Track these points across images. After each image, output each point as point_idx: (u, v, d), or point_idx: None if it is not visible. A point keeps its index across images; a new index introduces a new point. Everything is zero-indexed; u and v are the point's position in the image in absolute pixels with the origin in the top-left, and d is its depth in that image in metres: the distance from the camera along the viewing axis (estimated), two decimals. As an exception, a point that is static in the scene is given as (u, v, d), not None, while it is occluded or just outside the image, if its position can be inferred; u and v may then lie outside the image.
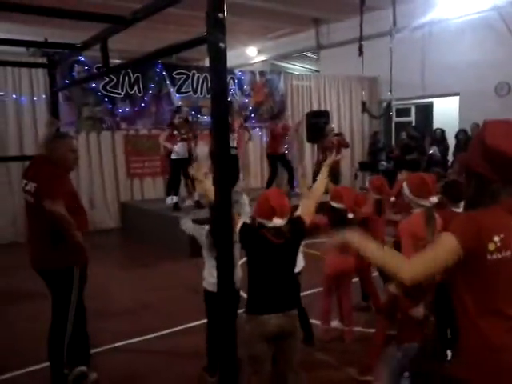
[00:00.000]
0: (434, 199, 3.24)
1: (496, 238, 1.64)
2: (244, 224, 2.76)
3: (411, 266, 1.71)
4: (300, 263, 3.60)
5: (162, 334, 4.33)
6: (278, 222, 2.63)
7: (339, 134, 10.61)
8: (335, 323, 4.25)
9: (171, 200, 7.95)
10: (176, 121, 7.99)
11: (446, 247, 1.67)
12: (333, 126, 10.77)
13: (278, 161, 9.32)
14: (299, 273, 3.65)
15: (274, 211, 2.64)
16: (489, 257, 1.63)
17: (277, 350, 2.75)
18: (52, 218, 3.09)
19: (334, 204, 3.86)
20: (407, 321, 2.85)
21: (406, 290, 2.86)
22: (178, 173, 8.05)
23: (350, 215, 3.70)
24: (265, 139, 10.70)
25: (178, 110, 8.50)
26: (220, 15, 2.04)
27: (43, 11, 3.28)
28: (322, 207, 3.74)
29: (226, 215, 2.13)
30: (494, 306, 1.68)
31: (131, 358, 3.96)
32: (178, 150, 7.90)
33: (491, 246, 1.64)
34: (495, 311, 1.67)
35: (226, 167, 2.14)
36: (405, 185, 3.35)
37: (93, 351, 3.71)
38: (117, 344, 4.13)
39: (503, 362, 1.66)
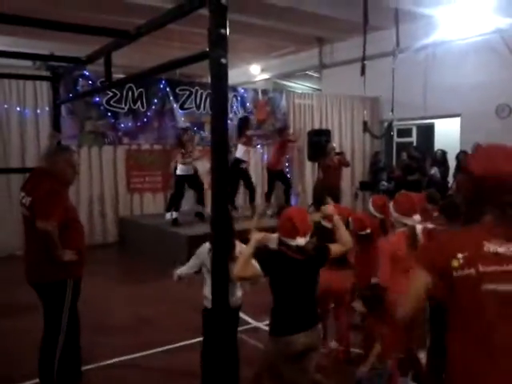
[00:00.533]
0: (418, 217, 3.25)
1: (459, 255, 1.65)
2: (260, 250, 2.79)
3: (399, 308, 1.81)
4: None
5: (158, 350, 4.28)
6: (300, 241, 2.70)
7: (340, 153, 10.62)
8: (332, 344, 4.19)
9: (171, 215, 7.97)
10: (184, 139, 8.11)
11: (417, 282, 1.74)
12: (334, 144, 10.78)
13: (275, 177, 9.31)
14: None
15: (297, 230, 2.70)
16: (454, 273, 1.64)
17: (297, 365, 2.79)
18: (42, 237, 3.11)
19: (325, 224, 3.77)
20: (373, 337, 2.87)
21: (369, 307, 2.89)
22: (181, 189, 8.13)
23: None
24: (266, 156, 10.74)
25: (187, 129, 8.65)
26: (222, 31, 2.04)
27: (49, 25, 3.30)
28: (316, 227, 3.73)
29: (223, 232, 2.12)
30: (475, 331, 1.65)
31: (126, 374, 3.90)
32: (182, 167, 7.96)
33: (455, 263, 1.65)
34: (476, 336, 1.64)
35: (225, 183, 2.14)
36: (391, 204, 3.37)
37: (87, 367, 3.66)
38: (112, 360, 4.07)
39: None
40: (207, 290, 3.36)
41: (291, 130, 10.05)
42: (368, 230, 3.98)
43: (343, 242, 2.99)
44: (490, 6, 9.55)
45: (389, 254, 3.21)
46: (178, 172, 8.04)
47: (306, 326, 2.75)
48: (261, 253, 2.77)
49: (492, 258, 1.64)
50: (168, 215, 8.11)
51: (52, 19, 3.01)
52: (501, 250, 1.64)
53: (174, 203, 8.16)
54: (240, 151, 8.44)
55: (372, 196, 4.97)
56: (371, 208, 4.25)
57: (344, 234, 3.03)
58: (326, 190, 10.07)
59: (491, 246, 1.65)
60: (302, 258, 2.75)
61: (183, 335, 4.45)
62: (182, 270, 3.50)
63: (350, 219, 3.99)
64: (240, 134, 8.63)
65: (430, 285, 1.68)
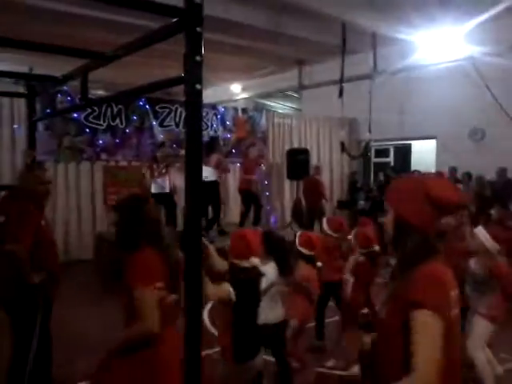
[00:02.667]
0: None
1: (452, 293, 1.64)
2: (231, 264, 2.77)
3: (422, 374, 1.53)
4: (278, 314, 3.51)
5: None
6: (254, 261, 2.69)
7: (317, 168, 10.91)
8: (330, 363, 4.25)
9: None
10: (158, 155, 8.08)
11: (436, 334, 1.56)
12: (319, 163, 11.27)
13: (246, 197, 9.34)
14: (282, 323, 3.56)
15: (251, 250, 2.68)
16: (451, 313, 1.62)
17: None
18: (12, 260, 3.09)
19: (303, 250, 3.82)
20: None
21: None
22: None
23: (319, 264, 3.70)
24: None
25: (162, 145, 8.64)
26: (197, 58, 2.08)
27: (25, 45, 3.31)
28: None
29: (195, 252, 2.13)
30: (456, 369, 1.68)
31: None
32: (158, 184, 7.94)
33: (452, 303, 1.63)
34: (451, 364, 1.64)
35: (198, 203, 2.16)
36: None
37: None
38: (86, 382, 3.99)
39: None
40: None
41: (255, 150, 10.08)
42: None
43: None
44: (463, 34, 9.87)
45: None
46: (153, 190, 8.01)
47: (259, 349, 2.78)
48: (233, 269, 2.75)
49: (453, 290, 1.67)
50: None
51: (30, 38, 3.02)
52: (450, 278, 1.68)
53: None
54: (207, 173, 8.22)
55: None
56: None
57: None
58: (308, 209, 10.20)
59: (451, 278, 1.68)
60: (253, 277, 2.73)
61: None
62: None
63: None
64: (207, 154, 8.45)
65: (443, 328, 1.56)
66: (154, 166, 7.99)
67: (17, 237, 3.11)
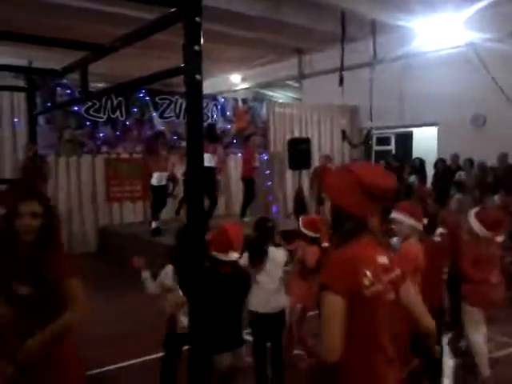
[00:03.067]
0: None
1: (368, 273, 1.72)
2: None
3: (325, 347, 1.71)
4: (280, 303, 3.58)
5: (135, 362, 4.26)
6: (233, 256, 2.65)
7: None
8: None
9: (155, 225, 7.95)
10: (159, 142, 8.06)
11: (334, 310, 1.70)
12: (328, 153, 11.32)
13: (248, 184, 9.27)
14: (283, 311, 3.62)
15: (231, 244, 2.65)
16: (366, 292, 1.71)
17: None
18: None
19: (307, 232, 3.85)
20: None
21: None
22: (157, 199, 8.03)
23: (325, 244, 3.70)
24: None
25: (161, 135, 8.60)
26: (196, 48, 2.08)
27: (25, 38, 3.31)
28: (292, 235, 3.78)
29: (198, 245, 2.14)
30: (376, 341, 1.77)
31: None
32: (157, 176, 7.91)
33: (366, 281, 1.72)
34: (377, 346, 1.77)
35: (200, 194, 2.17)
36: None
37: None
38: (92, 372, 4.03)
39: None
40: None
41: (257, 139, 9.98)
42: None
43: None
44: (463, 20, 9.80)
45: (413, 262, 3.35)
46: (154, 182, 7.92)
47: (231, 346, 2.70)
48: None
49: (383, 270, 1.79)
50: (152, 224, 8.09)
51: (29, 31, 3.02)
52: (384, 261, 1.81)
53: (153, 213, 8.12)
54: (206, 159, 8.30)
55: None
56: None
57: None
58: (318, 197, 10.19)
59: (380, 259, 1.80)
60: (231, 272, 2.71)
61: (160, 347, 4.43)
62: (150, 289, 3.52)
63: None
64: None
65: (345, 306, 1.70)
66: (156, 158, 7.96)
67: None
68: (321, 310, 1.72)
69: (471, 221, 3.86)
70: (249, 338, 3.45)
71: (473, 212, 3.90)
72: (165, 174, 7.92)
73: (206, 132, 8.64)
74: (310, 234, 3.83)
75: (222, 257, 2.64)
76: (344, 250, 1.80)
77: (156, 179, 7.87)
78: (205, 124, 9.70)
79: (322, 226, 3.85)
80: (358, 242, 1.79)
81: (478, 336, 3.87)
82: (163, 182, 7.94)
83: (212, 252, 2.67)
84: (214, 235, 2.73)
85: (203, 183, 2.15)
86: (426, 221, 3.65)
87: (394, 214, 3.50)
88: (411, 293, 1.93)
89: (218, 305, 2.67)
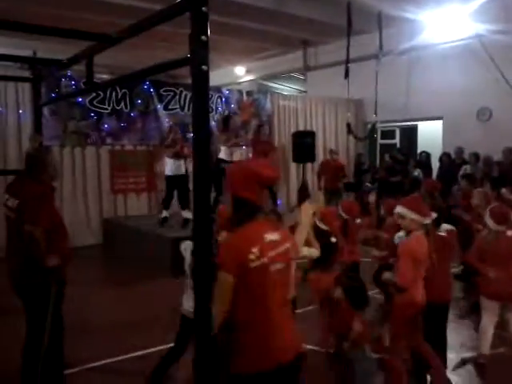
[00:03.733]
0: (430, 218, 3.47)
1: (254, 250, 2.11)
2: None
3: (216, 313, 2.11)
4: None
5: (141, 354, 4.27)
6: (223, 235, 2.72)
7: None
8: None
9: (164, 214, 7.99)
10: (174, 137, 8.07)
11: (223, 286, 2.10)
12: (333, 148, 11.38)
13: None
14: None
15: (220, 225, 2.77)
16: (252, 265, 2.10)
17: None
18: (29, 242, 3.11)
19: (320, 225, 3.82)
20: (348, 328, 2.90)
21: (349, 297, 2.95)
22: (170, 190, 8.06)
23: (333, 239, 3.69)
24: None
25: (173, 126, 8.66)
26: (203, 38, 2.05)
27: (30, 28, 3.27)
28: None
29: (205, 236, 2.12)
30: (265, 304, 2.15)
31: (108, 378, 3.89)
32: (171, 167, 7.92)
33: (252, 256, 2.10)
34: (267, 308, 2.15)
35: (207, 185, 2.15)
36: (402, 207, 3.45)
37: (68, 371, 3.64)
38: (94, 364, 4.05)
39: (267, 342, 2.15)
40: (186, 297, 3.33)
41: (276, 131, 9.92)
42: None
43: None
44: (470, 12, 9.71)
45: (411, 256, 3.31)
46: (167, 172, 7.99)
47: None
48: None
49: (271, 245, 2.18)
50: (163, 213, 8.13)
51: (34, 21, 2.99)
52: (274, 237, 2.20)
53: (164, 203, 8.18)
54: (222, 152, 8.35)
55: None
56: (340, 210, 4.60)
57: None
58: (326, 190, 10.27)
59: (268, 236, 2.19)
60: None
61: (165, 339, 4.43)
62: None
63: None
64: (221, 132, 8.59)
65: (234, 282, 2.08)
66: (172, 149, 7.95)
67: (35, 220, 3.13)
68: (215, 283, 2.10)
69: (486, 215, 3.98)
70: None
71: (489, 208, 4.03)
72: (178, 164, 7.90)
73: (222, 123, 8.74)
74: (322, 226, 3.80)
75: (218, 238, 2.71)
76: (236, 233, 2.22)
77: (169, 169, 7.90)
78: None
79: (334, 219, 3.85)
80: (252, 223, 2.20)
81: (488, 320, 3.96)
82: (177, 172, 7.91)
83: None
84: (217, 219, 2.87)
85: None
86: (434, 215, 3.65)
87: (398, 208, 3.50)
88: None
89: None
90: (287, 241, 2.29)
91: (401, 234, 3.72)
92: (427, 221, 3.42)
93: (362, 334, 3.01)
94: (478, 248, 4.04)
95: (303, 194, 10.93)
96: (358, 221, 4.81)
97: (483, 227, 4.32)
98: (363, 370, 2.94)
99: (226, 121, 8.78)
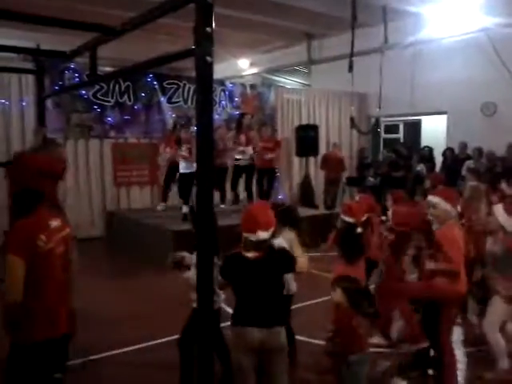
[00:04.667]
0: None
1: (42, 236, 2.48)
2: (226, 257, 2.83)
3: (7, 291, 2.46)
4: (292, 288, 3.69)
5: (146, 345, 4.29)
6: (260, 235, 2.63)
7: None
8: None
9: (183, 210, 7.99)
10: (182, 136, 8.06)
11: (15, 269, 2.43)
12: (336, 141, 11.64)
13: (265, 174, 9.22)
14: (292, 296, 3.72)
15: (258, 223, 2.65)
16: (40, 250, 2.46)
17: (262, 365, 2.77)
18: None
19: (345, 218, 3.78)
20: (352, 331, 2.85)
21: (350, 299, 2.91)
22: (184, 186, 8.08)
23: (359, 229, 3.67)
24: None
25: (184, 125, 8.71)
26: (208, 29, 2.05)
27: (34, 19, 3.27)
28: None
29: (207, 232, 2.13)
30: (52, 283, 2.58)
31: (113, 370, 3.91)
32: (183, 164, 7.95)
33: (40, 242, 2.46)
34: (53, 287, 2.59)
35: (210, 181, 2.15)
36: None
37: (70, 363, 3.64)
38: (98, 355, 4.07)
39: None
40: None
41: (279, 125, 9.88)
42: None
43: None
44: (477, 5, 9.63)
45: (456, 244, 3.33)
46: (181, 170, 8.01)
47: (262, 323, 2.71)
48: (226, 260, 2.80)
49: (55, 231, 2.57)
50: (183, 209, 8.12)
51: (38, 12, 2.99)
52: (56, 223, 2.61)
53: (183, 198, 8.19)
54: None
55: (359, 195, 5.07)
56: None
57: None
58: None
59: (52, 223, 2.57)
60: (259, 257, 2.69)
61: (169, 330, 4.44)
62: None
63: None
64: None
65: (25, 266, 2.41)
66: (184, 147, 7.96)
67: None
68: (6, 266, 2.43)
69: (499, 213, 3.75)
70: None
71: (500, 206, 3.81)
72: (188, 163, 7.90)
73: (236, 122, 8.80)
74: (347, 218, 3.74)
75: (251, 237, 2.63)
76: (24, 221, 2.52)
77: (183, 167, 7.94)
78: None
79: (359, 211, 3.82)
80: (37, 212, 2.55)
81: (496, 330, 3.75)
82: (190, 170, 7.90)
83: (243, 234, 2.68)
84: (242, 217, 2.75)
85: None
86: None
87: (431, 198, 3.50)
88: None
89: (245, 286, 2.74)
90: (66, 227, 2.73)
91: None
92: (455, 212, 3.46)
93: (356, 339, 2.96)
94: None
95: (306, 190, 10.99)
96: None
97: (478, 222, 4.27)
98: (360, 373, 2.91)
99: (238, 121, 8.82)
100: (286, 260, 2.80)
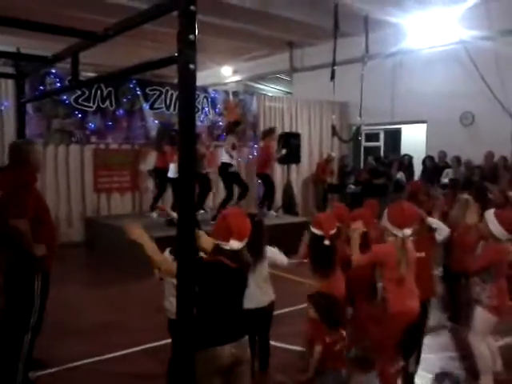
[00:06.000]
0: (408, 231, 3.25)
1: None
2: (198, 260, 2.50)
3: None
4: (271, 296, 3.59)
5: (123, 353, 4.23)
6: (235, 245, 2.47)
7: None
8: None
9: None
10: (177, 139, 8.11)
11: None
12: (333, 154, 11.90)
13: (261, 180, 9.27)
14: (270, 305, 3.61)
15: (231, 232, 2.48)
16: None
17: (228, 380, 2.58)
18: (14, 234, 3.09)
19: (314, 230, 3.67)
20: (326, 348, 2.84)
21: (321, 316, 2.88)
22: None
23: (327, 242, 3.64)
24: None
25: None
26: (191, 37, 2.06)
27: (14, 23, 3.23)
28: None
29: (189, 237, 2.12)
30: None
31: (89, 379, 3.85)
32: (174, 168, 7.95)
33: None
34: None
35: (191, 186, 2.15)
36: (385, 213, 3.43)
37: (48, 371, 3.59)
38: (74, 363, 4.00)
39: None
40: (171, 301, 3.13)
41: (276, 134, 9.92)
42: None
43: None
44: (455, 18, 9.85)
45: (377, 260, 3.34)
46: (170, 175, 8.05)
47: (233, 336, 2.53)
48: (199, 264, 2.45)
49: None
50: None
51: (19, 17, 2.96)
52: None
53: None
54: (224, 155, 8.29)
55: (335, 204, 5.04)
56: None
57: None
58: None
59: None
60: (236, 267, 2.51)
61: (147, 338, 4.42)
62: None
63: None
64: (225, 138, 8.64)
65: None
66: (168, 150, 8.10)
67: (19, 212, 3.11)
68: None
69: (490, 222, 3.57)
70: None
71: (491, 213, 3.62)
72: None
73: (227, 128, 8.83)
74: (315, 231, 3.62)
75: (223, 245, 2.47)
76: None
77: (173, 171, 7.94)
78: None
79: (328, 224, 3.75)
80: None
81: (482, 343, 3.59)
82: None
83: (215, 240, 2.52)
84: (217, 222, 2.60)
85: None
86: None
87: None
88: None
89: (218, 297, 2.53)
90: None
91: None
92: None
93: (328, 355, 2.94)
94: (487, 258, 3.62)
95: (288, 198, 11.10)
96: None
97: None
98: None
99: (236, 125, 8.78)
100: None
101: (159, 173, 8.58)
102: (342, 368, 3.05)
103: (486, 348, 3.60)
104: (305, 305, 3.45)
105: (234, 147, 8.27)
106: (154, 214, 8.57)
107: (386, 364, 3.33)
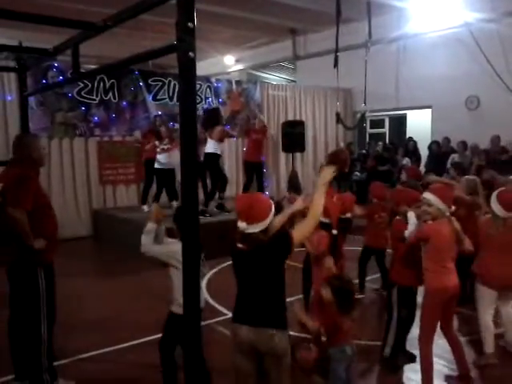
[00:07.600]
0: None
1: None
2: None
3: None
4: None
5: (133, 344, 4.28)
6: (241, 225, 2.50)
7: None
8: None
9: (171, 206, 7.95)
10: (162, 130, 8.15)
11: None
12: (342, 144, 11.98)
13: (253, 169, 9.17)
14: None
15: (239, 214, 2.54)
16: None
17: (261, 368, 2.61)
18: (13, 224, 3.12)
19: (321, 218, 3.71)
20: (336, 327, 2.86)
21: (338, 300, 2.87)
22: (160, 183, 8.28)
23: (334, 231, 3.62)
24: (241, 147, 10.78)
25: (159, 117, 8.65)
26: (190, 24, 2.03)
27: (14, 15, 3.22)
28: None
29: (193, 228, 2.10)
30: None
31: (100, 369, 3.89)
32: (161, 159, 8.01)
33: None
34: None
35: (194, 177, 2.13)
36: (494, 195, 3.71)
37: (59, 362, 3.63)
38: (85, 355, 4.05)
39: None
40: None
41: (256, 120, 9.79)
42: None
43: (313, 214, 2.66)
44: (459, 0, 9.72)
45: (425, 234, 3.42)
46: (156, 166, 8.11)
47: (252, 321, 2.54)
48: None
49: None
50: (145, 207, 8.35)
51: (19, 9, 2.94)
52: None
53: (170, 195, 8.32)
54: (211, 145, 7.96)
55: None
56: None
57: (319, 203, 2.67)
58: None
59: None
60: (248, 249, 2.54)
61: (157, 329, 4.44)
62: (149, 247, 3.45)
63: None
64: (208, 127, 8.22)
65: None
66: (156, 142, 8.12)
67: (17, 201, 3.13)
68: None
69: (492, 201, 3.79)
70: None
71: (496, 193, 3.83)
72: (169, 159, 8.02)
73: (211, 116, 8.70)
74: (322, 219, 3.54)
75: (238, 224, 2.53)
76: None
77: (158, 163, 8.09)
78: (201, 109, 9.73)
79: (335, 212, 3.74)
80: None
81: (485, 313, 3.86)
82: (167, 166, 8.13)
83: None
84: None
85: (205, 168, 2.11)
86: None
87: (426, 195, 3.49)
88: None
89: (237, 276, 2.66)
90: None
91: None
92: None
93: (340, 335, 2.95)
94: (482, 235, 3.88)
95: (294, 186, 10.99)
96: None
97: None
98: (340, 369, 2.90)
99: (216, 114, 8.71)
100: (281, 246, 2.58)
101: (148, 163, 8.52)
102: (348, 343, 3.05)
103: (489, 319, 3.85)
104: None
105: (221, 139, 8.14)
106: (145, 208, 8.36)
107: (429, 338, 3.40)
